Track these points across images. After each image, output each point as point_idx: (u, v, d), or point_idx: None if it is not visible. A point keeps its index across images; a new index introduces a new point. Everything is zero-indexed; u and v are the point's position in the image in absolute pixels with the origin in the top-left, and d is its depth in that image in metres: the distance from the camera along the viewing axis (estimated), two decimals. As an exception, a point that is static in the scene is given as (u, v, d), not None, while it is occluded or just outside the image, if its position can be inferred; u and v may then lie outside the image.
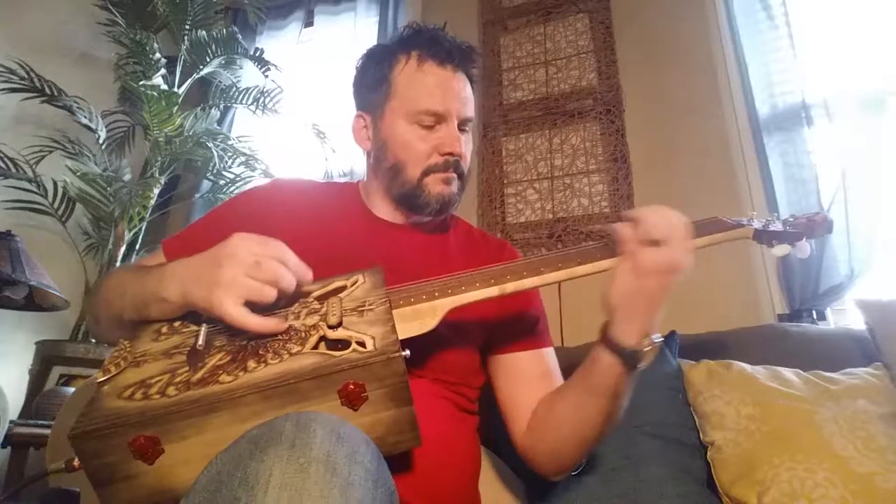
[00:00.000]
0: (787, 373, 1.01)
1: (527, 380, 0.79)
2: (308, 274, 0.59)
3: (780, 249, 0.74)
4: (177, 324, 0.61)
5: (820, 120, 1.47)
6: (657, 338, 0.62)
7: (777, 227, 0.74)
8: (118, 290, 0.67)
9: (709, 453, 0.97)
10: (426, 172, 0.78)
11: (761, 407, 0.95)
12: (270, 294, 0.55)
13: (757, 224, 0.74)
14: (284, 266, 0.56)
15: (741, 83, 1.66)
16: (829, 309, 1.41)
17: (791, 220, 0.76)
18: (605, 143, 1.76)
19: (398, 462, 0.60)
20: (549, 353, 0.83)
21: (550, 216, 1.76)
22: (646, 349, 0.61)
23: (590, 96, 1.83)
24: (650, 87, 1.78)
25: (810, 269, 1.39)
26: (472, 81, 0.84)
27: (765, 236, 0.74)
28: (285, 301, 0.59)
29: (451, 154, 0.78)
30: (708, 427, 0.98)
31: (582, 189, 1.75)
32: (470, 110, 0.81)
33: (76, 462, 0.48)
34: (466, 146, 0.82)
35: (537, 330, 0.83)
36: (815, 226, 0.75)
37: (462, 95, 0.80)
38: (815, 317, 1.39)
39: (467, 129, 0.82)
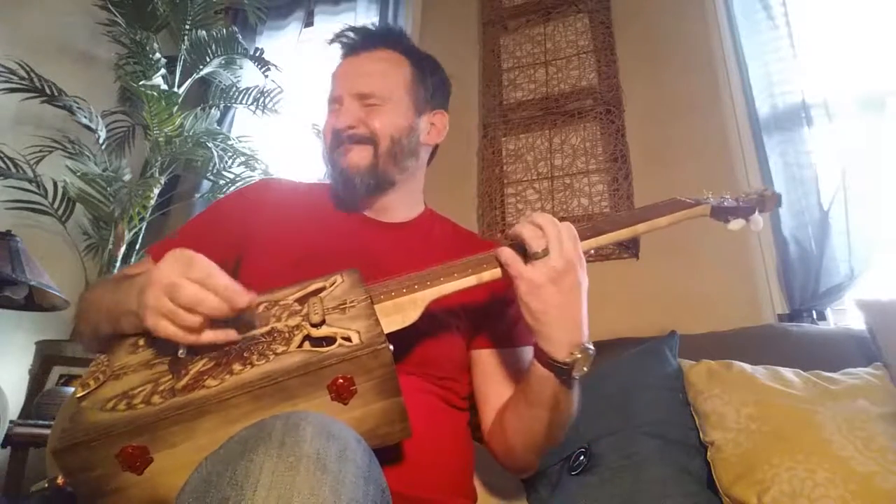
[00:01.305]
0: (787, 373, 1.01)
1: (498, 378, 0.79)
2: (238, 297, 0.54)
3: (736, 224, 0.77)
4: (152, 335, 0.59)
5: (820, 120, 1.47)
6: (588, 345, 0.62)
7: (731, 203, 0.78)
8: (95, 304, 0.67)
9: (709, 453, 0.96)
10: (331, 151, 0.85)
11: (761, 407, 0.95)
12: (189, 319, 0.52)
13: (713, 201, 0.77)
14: (206, 289, 0.53)
15: (741, 83, 1.66)
16: (829, 309, 1.40)
17: (743, 196, 0.80)
18: (605, 143, 1.76)
19: (392, 454, 0.61)
20: (526, 352, 0.82)
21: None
22: (576, 360, 0.61)
23: (590, 96, 1.83)
24: (650, 87, 1.77)
25: (810, 269, 1.39)
26: (398, 49, 0.88)
27: (721, 212, 0.77)
28: (237, 320, 0.56)
29: (337, 130, 0.83)
30: (708, 427, 0.98)
31: (582, 189, 1.75)
32: (361, 85, 0.84)
33: (60, 479, 0.47)
34: (371, 115, 0.83)
35: (518, 328, 0.82)
36: (766, 200, 0.79)
37: (354, 73, 0.85)
38: (815, 317, 1.38)
39: (371, 101, 0.83)
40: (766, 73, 1.60)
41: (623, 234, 0.70)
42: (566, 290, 0.60)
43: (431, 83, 0.90)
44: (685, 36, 1.78)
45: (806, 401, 0.93)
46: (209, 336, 0.54)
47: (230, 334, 0.55)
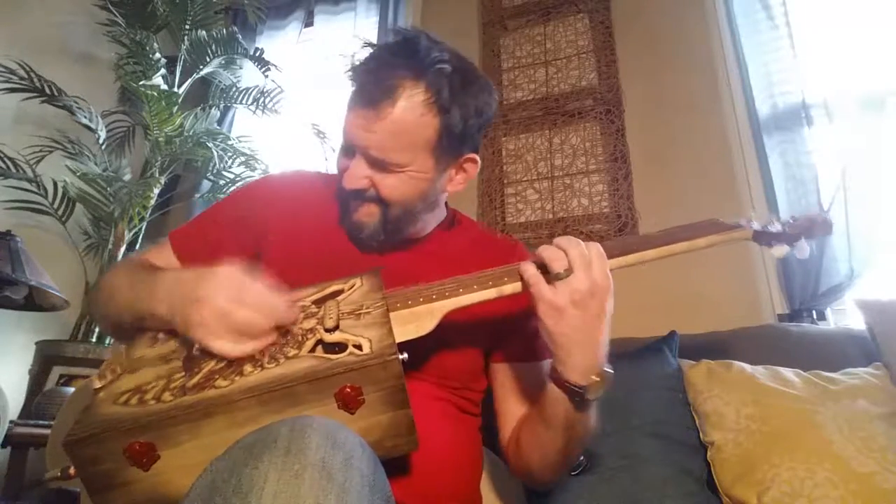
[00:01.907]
0: (787, 373, 1.01)
1: (518, 393, 0.77)
2: (288, 315, 0.57)
3: (779, 250, 0.74)
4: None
5: (820, 120, 1.47)
6: (607, 369, 0.60)
7: (776, 227, 0.74)
8: (118, 295, 0.67)
9: (709, 453, 0.96)
10: (341, 199, 0.78)
11: (761, 407, 0.95)
12: (241, 346, 0.54)
13: (756, 225, 0.74)
14: (259, 314, 0.55)
15: (741, 83, 1.66)
16: (829, 309, 1.41)
17: (790, 221, 0.76)
18: (605, 143, 1.76)
19: (398, 465, 0.60)
20: (547, 366, 0.78)
21: (550, 216, 1.76)
22: (591, 383, 0.59)
23: (590, 96, 1.83)
24: (650, 87, 1.77)
25: (810, 269, 1.39)
26: (426, 82, 0.69)
27: (764, 237, 0.74)
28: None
29: (342, 188, 0.74)
30: (708, 427, 0.98)
31: (582, 189, 1.75)
32: (375, 149, 0.69)
33: (72, 470, 0.47)
34: (383, 182, 0.71)
35: (539, 341, 0.78)
36: (815, 226, 0.74)
37: (367, 130, 0.69)
38: (815, 317, 1.39)
39: (385, 168, 0.71)
40: (766, 73, 1.60)
41: (651, 254, 0.67)
42: (590, 315, 0.58)
43: (470, 124, 0.72)
44: (685, 36, 1.78)
45: (806, 401, 0.93)
46: (252, 346, 0.55)
47: (260, 344, 0.55)
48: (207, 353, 0.55)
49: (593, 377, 0.59)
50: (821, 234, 0.75)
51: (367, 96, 0.69)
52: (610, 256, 0.62)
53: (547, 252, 0.60)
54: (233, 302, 0.54)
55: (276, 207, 0.82)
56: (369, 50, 0.73)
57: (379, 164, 0.71)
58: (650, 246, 0.67)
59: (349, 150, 0.73)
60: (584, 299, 0.58)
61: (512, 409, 0.77)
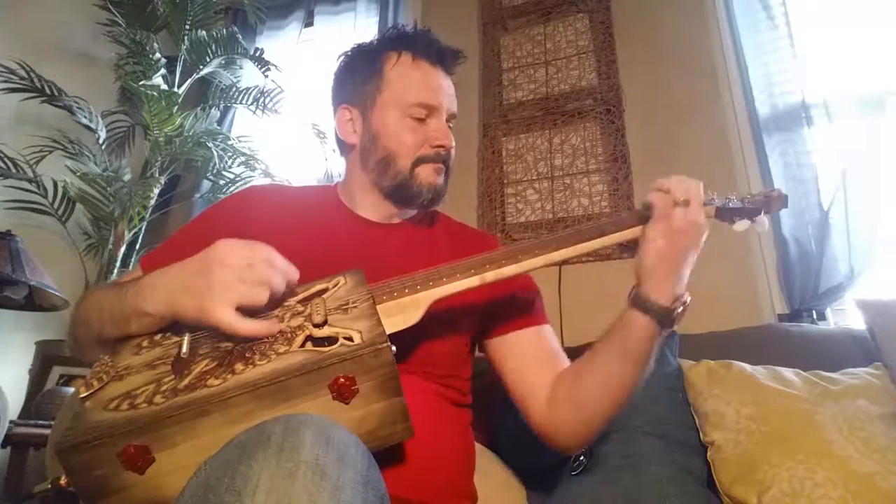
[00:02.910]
0: (787, 373, 1.01)
1: (535, 357, 0.78)
2: (296, 274, 0.60)
3: (741, 225, 0.78)
4: (157, 337, 0.60)
5: (820, 120, 1.47)
6: (686, 298, 0.67)
7: (736, 204, 0.77)
8: (96, 309, 0.66)
9: (709, 453, 0.97)
10: (417, 163, 0.80)
11: (761, 407, 0.95)
12: (263, 296, 0.55)
13: (718, 202, 0.77)
14: (273, 267, 0.57)
15: (741, 83, 1.66)
16: (829, 309, 1.40)
17: (748, 196, 0.79)
18: (605, 143, 1.76)
19: (391, 457, 0.60)
20: (549, 331, 0.83)
21: (550, 216, 1.76)
22: (679, 308, 0.66)
23: (590, 96, 1.83)
24: (650, 87, 1.77)
25: (810, 269, 1.39)
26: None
27: (726, 213, 0.77)
28: (271, 304, 0.58)
29: (441, 146, 0.81)
30: (708, 427, 0.98)
31: (582, 189, 1.75)
32: (455, 107, 0.85)
33: (63, 480, 0.47)
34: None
35: (535, 309, 0.83)
36: (772, 201, 0.78)
37: (450, 92, 0.84)
38: (815, 317, 1.39)
39: (451, 125, 0.85)
40: (766, 73, 1.60)
41: (627, 234, 0.70)
42: (691, 244, 0.65)
43: None
44: (685, 36, 1.78)
45: (806, 401, 0.93)
46: (263, 328, 0.55)
47: (272, 327, 0.56)
48: (196, 356, 0.54)
49: (679, 303, 0.66)
50: (778, 209, 0.80)
51: (442, 61, 0.84)
52: (588, 239, 0.68)
53: (671, 183, 0.67)
54: (251, 254, 0.56)
55: (255, 219, 0.82)
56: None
57: (450, 122, 0.84)
58: (622, 227, 0.71)
59: (433, 110, 0.81)
60: (693, 229, 0.65)
61: (537, 376, 0.77)
